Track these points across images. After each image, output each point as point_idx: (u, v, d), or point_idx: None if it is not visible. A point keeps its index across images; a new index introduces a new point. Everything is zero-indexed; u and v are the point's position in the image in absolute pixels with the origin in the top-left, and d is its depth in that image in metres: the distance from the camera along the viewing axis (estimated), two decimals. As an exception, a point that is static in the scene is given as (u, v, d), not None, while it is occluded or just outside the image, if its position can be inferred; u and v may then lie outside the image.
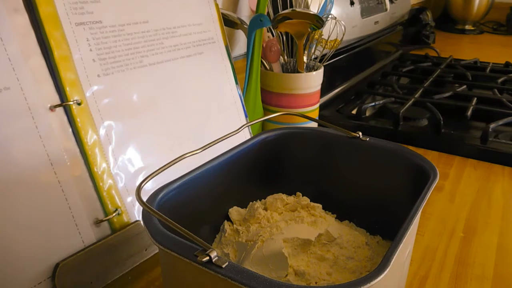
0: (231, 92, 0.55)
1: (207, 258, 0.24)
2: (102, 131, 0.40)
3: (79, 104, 0.39)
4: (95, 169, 0.39)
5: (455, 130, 0.72)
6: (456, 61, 1.19)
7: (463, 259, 0.44)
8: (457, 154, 0.67)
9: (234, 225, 0.40)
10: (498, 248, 0.46)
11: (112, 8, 0.42)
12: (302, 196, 0.44)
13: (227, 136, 0.36)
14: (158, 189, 0.33)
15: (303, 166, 0.45)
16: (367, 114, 0.81)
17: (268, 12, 0.63)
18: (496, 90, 0.92)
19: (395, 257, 0.25)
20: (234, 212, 0.41)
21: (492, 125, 0.70)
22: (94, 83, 0.40)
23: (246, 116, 0.57)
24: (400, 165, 0.38)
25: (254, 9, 0.62)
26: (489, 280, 0.41)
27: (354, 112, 0.81)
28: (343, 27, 0.67)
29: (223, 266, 0.24)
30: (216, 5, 0.54)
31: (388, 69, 1.12)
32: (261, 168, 0.43)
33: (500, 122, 0.72)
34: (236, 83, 0.56)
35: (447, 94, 0.89)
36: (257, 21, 0.58)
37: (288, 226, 0.39)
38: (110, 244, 0.39)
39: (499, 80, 1.00)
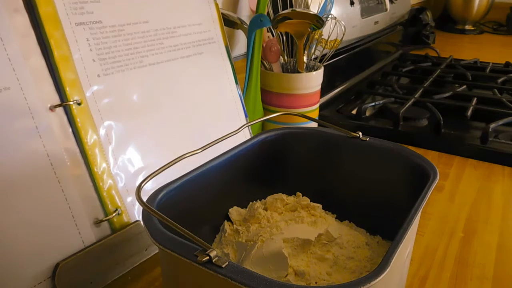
0: (231, 92, 0.55)
1: (207, 258, 0.24)
2: (102, 131, 0.40)
3: (79, 104, 0.39)
4: (95, 169, 0.39)
5: (455, 130, 0.72)
6: (456, 61, 1.18)
7: (463, 259, 0.44)
8: (457, 154, 0.67)
9: (234, 225, 0.40)
10: (498, 248, 0.46)
11: (112, 8, 0.42)
12: (302, 196, 0.44)
13: (227, 136, 0.36)
14: (158, 189, 0.33)
15: (303, 166, 0.45)
16: (367, 114, 0.81)
17: (268, 12, 0.63)
18: (496, 90, 0.92)
19: (395, 257, 0.25)
20: (234, 212, 0.41)
21: (492, 125, 0.70)
22: (94, 83, 0.40)
23: (246, 116, 0.57)
24: (400, 165, 0.38)
25: (254, 9, 0.62)
26: (489, 280, 0.41)
27: (354, 112, 0.81)
28: (343, 27, 0.67)
29: (223, 266, 0.24)
30: (216, 5, 0.54)
31: (388, 69, 1.12)
32: (261, 168, 0.43)
33: (500, 122, 0.72)
34: (236, 83, 0.56)
35: (447, 94, 0.89)
36: (257, 21, 0.58)
37: (288, 226, 0.39)
38: (110, 244, 0.39)
39: (499, 80, 1.00)
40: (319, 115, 0.73)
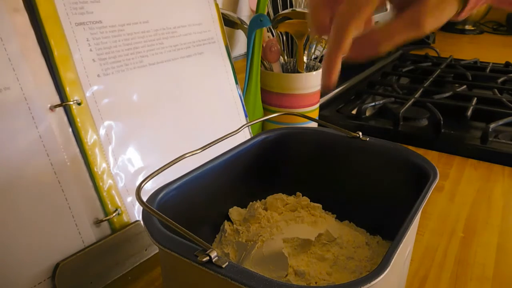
0: (231, 92, 0.55)
1: (207, 258, 0.24)
2: (102, 131, 0.40)
3: (79, 104, 0.39)
4: (95, 169, 0.39)
5: (455, 130, 0.72)
6: (456, 61, 1.18)
7: (463, 259, 0.44)
8: (457, 154, 0.67)
9: (234, 225, 0.40)
10: (498, 248, 0.46)
11: (112, 8, 0.42)
12: (302, 196, 0.44)
13: (227, 136, 0.36)
14: (158, 189, 0.33)
15: (303, 166, 0.45)
16: (367, 114, 0.81)
17: (268, 12, 0.63)
18: (496, 90, 0.92)
19: (395, 257, 0.25)
20: (234, 212, 0.41)
21: (492, 125, 0.70)
22: (94, 83, 0.40)
23: (246, 116, 0.57)
24: (400, 165, 0.38)
25: (254, 9, 0.62)
26: (489, 280, 0.41)
27: (354, 112, 0.81)
28: (343, 27, 0.67)
29: (223, 266, 0.24)
30: (216, 5, 0.54)
31: (388, 69, 1.12)
32: (261, 168, 0.43)
33: (500, 122, 0.72)
34: (236, 83, 0.56)
35: (447, 94, 0.89)
36: (257, 21, 0.58)
37: (288, 226, 0.39)
38: (110, 244, 0.39)
39: (499, 80, 1.00)
40: (319, 115, 0.73)
